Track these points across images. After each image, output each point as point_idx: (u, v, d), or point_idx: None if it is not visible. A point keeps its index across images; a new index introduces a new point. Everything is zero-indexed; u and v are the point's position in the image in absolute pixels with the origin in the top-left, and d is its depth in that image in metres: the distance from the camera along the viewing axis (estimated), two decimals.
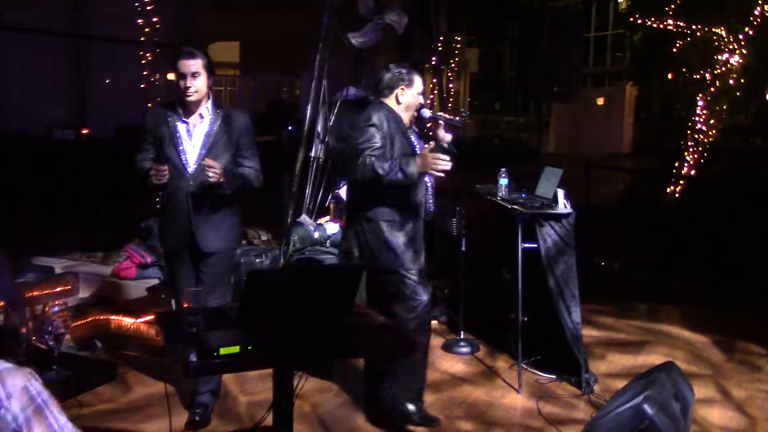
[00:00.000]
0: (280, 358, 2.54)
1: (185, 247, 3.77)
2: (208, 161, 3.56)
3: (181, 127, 3.71)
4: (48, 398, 1.31)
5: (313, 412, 4.04)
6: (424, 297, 3.80)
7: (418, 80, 3.89)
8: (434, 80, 9.31)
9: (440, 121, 3.99)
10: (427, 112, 4.00)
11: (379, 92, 3.90)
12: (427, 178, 3.89)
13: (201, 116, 3.73)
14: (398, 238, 3.75)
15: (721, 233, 7.59)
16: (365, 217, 3.77)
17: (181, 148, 3.69)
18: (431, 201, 4.01)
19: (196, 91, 3.64)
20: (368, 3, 5.96)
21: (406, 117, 3.88)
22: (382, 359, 3.78)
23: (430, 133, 4.14)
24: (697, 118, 9.69)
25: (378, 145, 3.62)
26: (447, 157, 3.49)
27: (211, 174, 3.53)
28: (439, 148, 3.95)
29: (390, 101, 3.86)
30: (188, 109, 3.71)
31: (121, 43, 11.16)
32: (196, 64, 3.63)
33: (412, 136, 3.91)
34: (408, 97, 3.85)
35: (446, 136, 3.99)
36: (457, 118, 4.11)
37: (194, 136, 3.72)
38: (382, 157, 3.58)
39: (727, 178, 9.25)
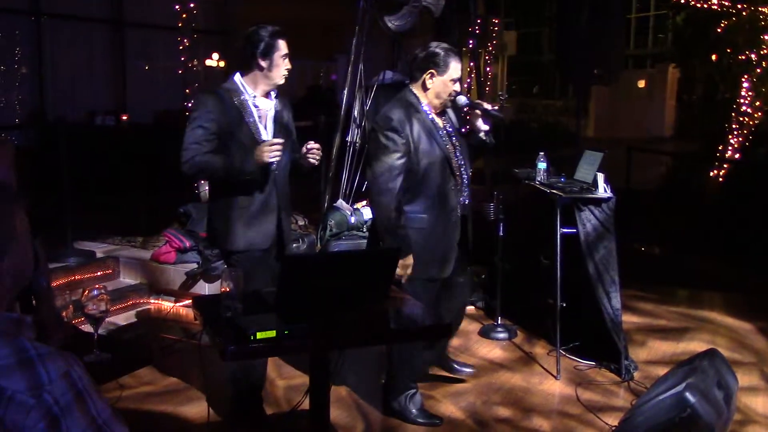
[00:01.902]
0: (317, 343, 2.54)
1: (267, 249, 3.50)
2: (312, 143, 3.38)
3: (254, 112, 3.44)
4: (89, 383, 1.32)
5: (350, 396, 4.05)
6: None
7: (453, 65, 3.60)
8: (471, 64, 9.23)
9: (478, 111, 3.74)
10: (462, 99, 3.70)
11: (411, 73, 3.70)
12: (462, 171, 3.70)
13: (270, 98, 3.52)
14: (425, 245, 3.59)
15: (766, 218, 7.42)
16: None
17: (261, 133, 3.43)
18: (466, 194, 3.77)
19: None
20: None
21: (436, 103, 3.64)
22: (420, 342, 3.77)
23: (467, 117, 3.97)
24: (741, 100, 9.45)
25: (399, 158, 3.47)
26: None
27: (313, 157, 3.38)
28: (475, 138, 3.81)
29: (417, 87, 3.65)
30: (261, 92, 3.48)
31: (160, 30, 11.26)
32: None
33: (446, 128, 3.71)
34: (438, 84, 3.60)
35: (483, 126, 3.75)
36: (497, 107, 3.85)
37: (265, 120, 3.49)
38: (392, 211, 3.46)
39: None
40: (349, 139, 6.13)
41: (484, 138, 3.81)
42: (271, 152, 3.25)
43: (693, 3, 10.17)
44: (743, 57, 9.50)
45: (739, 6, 9.39)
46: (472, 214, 3.88)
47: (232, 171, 3.31)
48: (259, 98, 3.47)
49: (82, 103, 10.27)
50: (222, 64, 12.31)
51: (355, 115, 6.15)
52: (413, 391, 3.81)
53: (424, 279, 3.64)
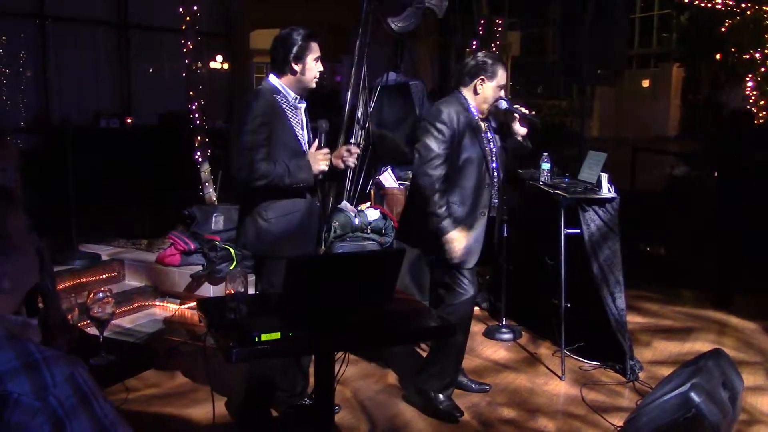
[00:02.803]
0: (321, 344, 2.54)
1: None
2: (353, 146, 3.49)
3: (294, 115, 3.44)
4: (94, 386, 1.32)
5: (355, 397, 4.05)
6: (471, 292, 3.81)
7: (501, 73, 3.83)
8: None
9: (516, 114, 3.92)
10: (503, 104, 3.91)
11: (460, 79, 3.88)
12: (495, 173, 3.86)
13: (301, 101, 3.50)
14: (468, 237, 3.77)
15: None
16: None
17: (301, 134, 3.44)
18: (496, 197, 3.93)
19: None
20: None
21: (483, 108, 3.85)
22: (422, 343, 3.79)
23: (506, 120, 4.08)
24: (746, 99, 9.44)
25: (445, 148, 3.66)
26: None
27: (351, 160, 3.48)
28: (513, 142, 3.96)
29: (468, 91, 3.85)
30: (297, 95, 3.46)
31: (164, 32, 11.28)
32: None
33: (488, 132, 3.88)
34: (487, 90, 3.82)
35: (521, 130, 3.93)
36: (533, 112, 4.03)
37: (302, 124, 3.49)
38: (440, 188, 3.66)
39: None
40: (353, 140, 6.13)
41: (521, 141, 3.97)
42: (325, 161, 3.36)
43: (697, 2, 10.16)
44: (748, 56, 9.49)
45: (743, 5, 9.37)
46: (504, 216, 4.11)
47: (290, 179, 3.30)
48: (299, 103, 3.48)
49: (87, 105, 10.27)
50: (226, 66, 12.32)
51: (359, 116, 6.15)
52: (449, 379, 3.88)
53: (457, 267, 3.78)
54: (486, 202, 3.84)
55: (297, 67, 3.39)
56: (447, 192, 3.73)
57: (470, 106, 3.84)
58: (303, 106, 3.51)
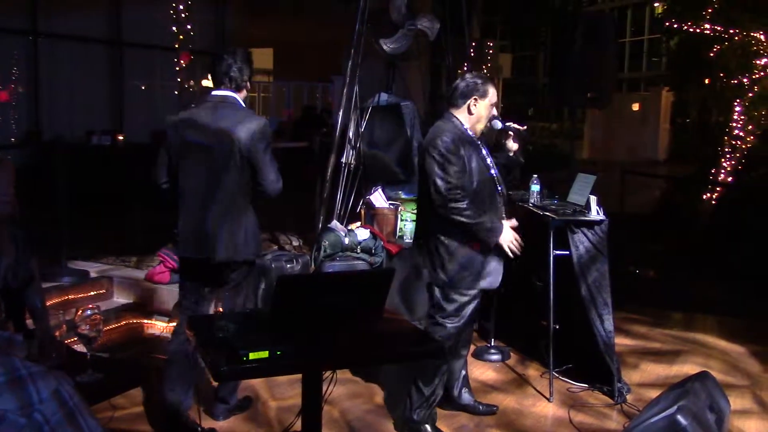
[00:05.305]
0: (309, 364, 2.54)
1: None
2: None
3: None
4: (80, 402, 1.32)
5: (342, 418, 4.04)
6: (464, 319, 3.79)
7: (492, 91, 3.81)
8: None
9: (510, 132, 3.93)
10: (498, 124, 3.91)
11: (452, 101, 3.84)
12: (501, 189, 3.85)
13: None
14: (477, 258, 3.72)
15: (759, 241, 7.45)
16: (441, 237, 3.71)
17: None
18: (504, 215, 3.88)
19: None
20: (400, 9, 5.96)
21: (477, 128, 3.81)
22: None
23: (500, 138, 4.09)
24: (734, 124, 9.54)
25: (459, 177, 3.59)
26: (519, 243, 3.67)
27: None
28: (506, 158, 3.97)
29: (461, 112, 3.79)
30: None
31: (157, 50, 11.33)
32: None
33: (483, 150, 3.83)
34: (481, 109, 3.77)
35: (514, 146, 4.00)
36: (525, 128, 4.08)
37: None
38: (471, 208, 3.58)
39: (764, 185, 9.09)
40: (343, 160, 6.15)
41: (514, 156, 3.95)
42: None
43: (686, 28, 10.28)
44: (735, 81, 9.60)
45: (732, 31, 9.50)
46: None
47: None
48: None
49: (79, 122, 10.30)
50: None
51: (350, 136, 6.18)
52: (432, 409, 3.84)
53: (474, 292, 3.74)
54: (500, 219, 3.79)
55: (249, 86, 3.68)
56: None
57: (465, 127, 3.78)
58: None
